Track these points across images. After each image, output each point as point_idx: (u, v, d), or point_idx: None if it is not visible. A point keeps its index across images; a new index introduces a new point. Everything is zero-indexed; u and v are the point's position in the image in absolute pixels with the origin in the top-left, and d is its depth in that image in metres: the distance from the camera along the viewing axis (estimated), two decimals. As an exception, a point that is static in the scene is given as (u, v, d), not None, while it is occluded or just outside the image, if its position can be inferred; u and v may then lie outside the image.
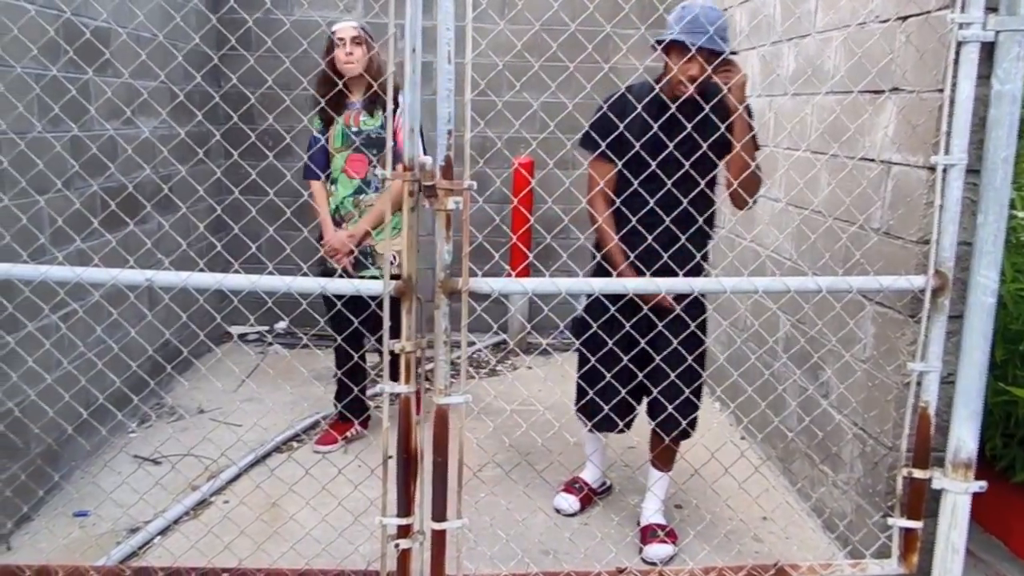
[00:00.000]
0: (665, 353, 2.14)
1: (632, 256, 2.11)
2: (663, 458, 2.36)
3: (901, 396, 2.06)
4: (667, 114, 2.01)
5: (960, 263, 1.89)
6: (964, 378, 1.90)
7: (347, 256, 2.78)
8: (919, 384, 1.94)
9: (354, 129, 2.80)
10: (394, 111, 2.47)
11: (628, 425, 2.37)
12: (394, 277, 2.33)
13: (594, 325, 2.23)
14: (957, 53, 1.81)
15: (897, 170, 2.13)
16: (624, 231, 2.16)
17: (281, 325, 4.29)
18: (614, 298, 2.12)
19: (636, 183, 2.02)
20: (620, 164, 2.08)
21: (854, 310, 2.28)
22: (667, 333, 2.14)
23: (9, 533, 2.26)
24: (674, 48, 2.06)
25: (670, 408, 2.15)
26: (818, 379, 2.54)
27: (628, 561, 2.14)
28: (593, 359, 2.16)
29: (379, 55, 2.78)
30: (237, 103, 3.65)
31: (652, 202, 2.00)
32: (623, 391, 2.22)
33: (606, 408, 2.22)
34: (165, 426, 3.06)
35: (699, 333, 2.20)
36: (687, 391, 2.15)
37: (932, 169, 1.96)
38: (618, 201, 2.17)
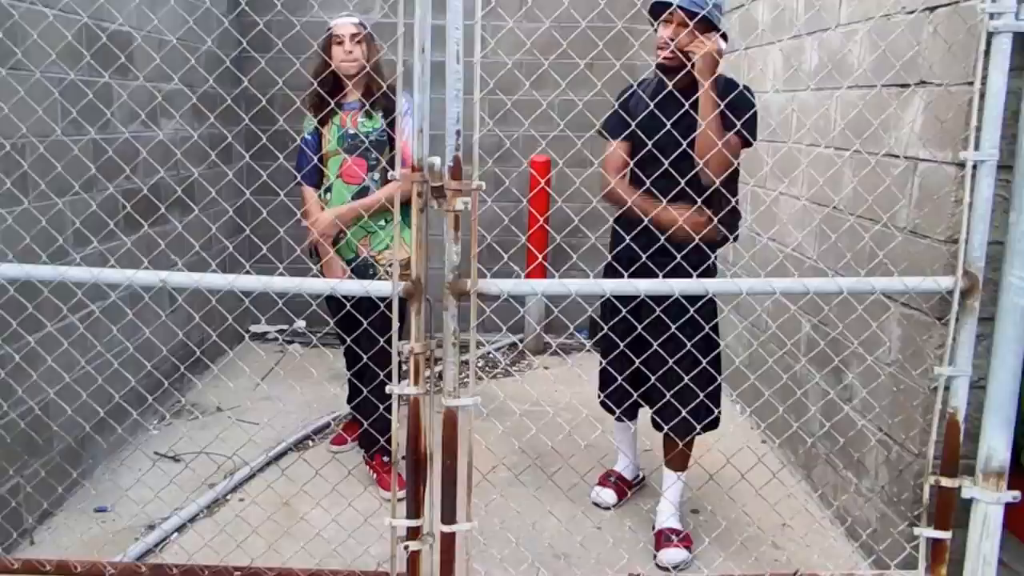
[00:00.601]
0: (671, 350, 2.11)
1: (633, 254, 2.14)
2: (676, 460, 2.32)
3: (928, 401, 1.99)
4: (666, 95, 2.02)
5: (991, 263, 1.81)
6: (995, 383, 1.82)
7: (330, 236, 2.57)
8: (947, 389, 1.86)
9: (351, 131, 2.61)
10: (392, 111, 2.45)
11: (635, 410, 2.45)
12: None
13: (604, 326, 2.27)
14: (988, 44, 1.73)
15: (924, 167, 2.05)
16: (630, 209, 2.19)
17: (300, 324, 4.32)
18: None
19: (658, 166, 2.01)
20: (632, 145, 2.16)
21: (879, 312, 2.21)
22: (678, 334, 2.07)
23: (32, 528, 2.31)
24: (654, 16, 2.11)
25: (683, 412, 2.12)
26: (841, 382, 2.46)
27: (641, 567, 2.11)
28: (604, 351, 2.24)
29: (379, 53, 2.56)
30: (256, 105, 3.67)
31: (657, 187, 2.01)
32: (628, 383, 2.27)
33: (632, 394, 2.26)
34: (184, 424, 3.10)
35: (706, 326, 2.13)
36: (697, 389, 2.11)
37: (961, 165, 1.88)
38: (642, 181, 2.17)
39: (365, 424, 2.66)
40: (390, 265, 2.53)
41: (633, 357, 2.06)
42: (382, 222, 2.59)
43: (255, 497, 2.41)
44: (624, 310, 2.24)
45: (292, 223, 2.42)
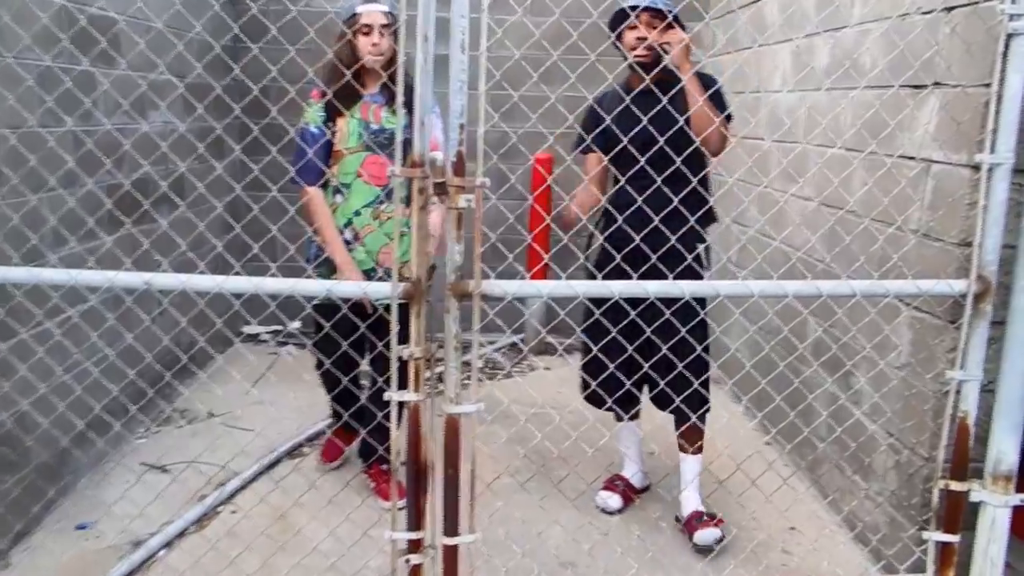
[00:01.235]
0: (667, 336, 2.13)
1: (626, 248, 2.14)
2: (690, 439, 2.37)
3: (938, 405, 1.96)
4: (639, 96, 2.13)
5: (1003, 267, 1.78)
6: (1005, 387, 1.80)
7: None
8: (958, 393, 1.83)
9: (374, 127, 2.41)
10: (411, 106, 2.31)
11: (635, 410, 2.48)
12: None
13: (592, 319, 2.24)
14: (1006, 46, 1.70)
15: (938, 169, 2.02)
16: (620, 210, 2.15)
17: (294, 326, 4.23)
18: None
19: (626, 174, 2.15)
20: (608, 152, 2.23)
21: (889, 315, 2.17)
22: (673, 321, 2.07)
23: (8, 548, 2.19)
24: (626, 25, 2.21)
25: (695, 384, 2.19)
26: (850, 386, 2.43)
27: (650, 577, 2.05)
28: (594, 347, 2.16)
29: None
30: (252, 95, 3.56)
31: (643, 195, 1.99)
32: (625, 378, 2.24)
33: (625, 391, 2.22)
34: (174, 431, 3.00)
35: (698, 308, 2.28)
36: (697, 365, 2.21)
37: (975, 168, 1.85)
38: (620, 182, 2.27)
39: (363, 433, 2.56)
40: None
41: (631, 349, 2.13)
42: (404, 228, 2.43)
43: (248, 510, 2.32)
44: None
45: (286, 220, 2.29)
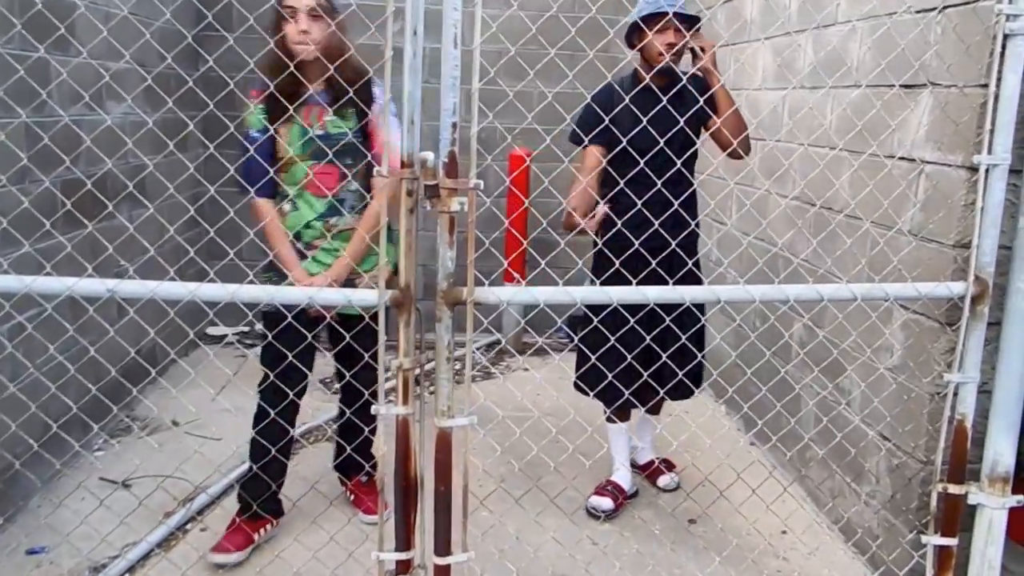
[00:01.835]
0: (674, 323, 2.26)
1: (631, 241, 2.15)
2: (657, 408, 2.68)
3: (933, 408, 1.95)
4: (650, 100, 2.13)
5: (998, 268, 1.77)
6: (1001, 388, 1.80)
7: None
8: (955, 395, 1.82)
9: (319, 132, 2.12)
10: (369, 106, 2.09)
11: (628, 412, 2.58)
12: (375, 315, 2.01)
13: (593, 319, 2.27)
14: (1003, 47, 1.68)
15: (931, 169, 2.00)
16: (624, 208, 2.21)
17: (261, 326, 4.06)
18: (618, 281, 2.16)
19: (639, 164, 2.12)
20: (613, 149, 2.23)
21: (882, 317, 2.15)
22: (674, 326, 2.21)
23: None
24: (642, 31, 2.21)
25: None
26: (844, 390, 2.41)
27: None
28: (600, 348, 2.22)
29: (346, 30, 2.09)
30: (218, 88, 3.40)
31: (658, 184, 2.04)
32: (629, 370, 2.32)
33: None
34: (135, 443, 2.83)
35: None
36: (696, 353, 2.35)
37: (970, 169, 1.83)
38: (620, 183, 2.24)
39: (345, 445, 2.39)
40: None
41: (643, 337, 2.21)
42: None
43: (218, 529, 2.19)
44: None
45: (257, 220, 2.18)
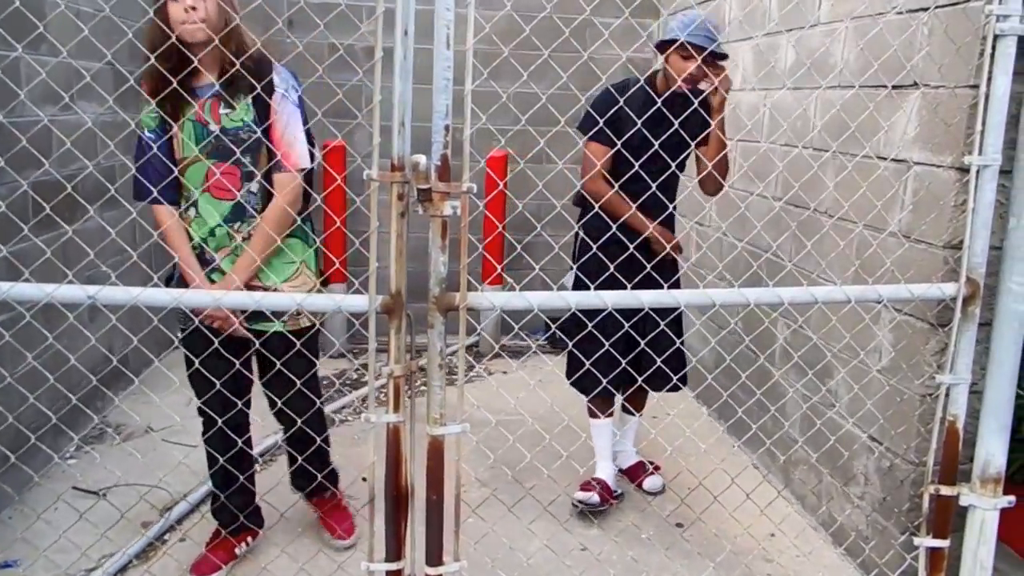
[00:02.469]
0: (659, 319, 2.43)
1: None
2: (641, 404, 2.70)
3: (926, 409, 1.95)
4: (660, 109, 2.14)
5: (988, 268, 1.78)
6: (993, 389, 1.81)
7: (234, 324, 1.94)
8: (947, 396, 1.82)
9: (213, 128, 1.89)
10: (269, 95, 1.84)
11: (611, 409, 2.63)
12: (300, 331, 1.91)
13: (582, 316, 2.32)
14: (993, 47, 1.69)
15: (920, 170, 2.00)
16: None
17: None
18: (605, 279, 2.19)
19: (636, 165, 2.14)
20: (614, 145, 2.32)
21: (871, 319, 2.16)
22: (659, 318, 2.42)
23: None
24: (679, 48, 2.25)
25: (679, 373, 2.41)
26: (834, 393, 2.40)
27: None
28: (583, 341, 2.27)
29: (237, 12, 1.85)
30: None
31: (654, 187, 2.11)
32: (615, 367, 2.35)
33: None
34: (109, 449, 2.74)
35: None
36: (679, 346, 2.37)
37: (960, 170, 1.83)
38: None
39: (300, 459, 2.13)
40: (297, 314, 1.95)
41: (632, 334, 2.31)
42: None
43: (199, 539, 2.12)
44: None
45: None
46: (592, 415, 2.57)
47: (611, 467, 2.60)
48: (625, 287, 2.00)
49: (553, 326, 2.61)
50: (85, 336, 2.35)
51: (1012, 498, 1.82)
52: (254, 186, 1.93)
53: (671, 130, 2.04)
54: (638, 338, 2.42)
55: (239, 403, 1.92)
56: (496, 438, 2.52)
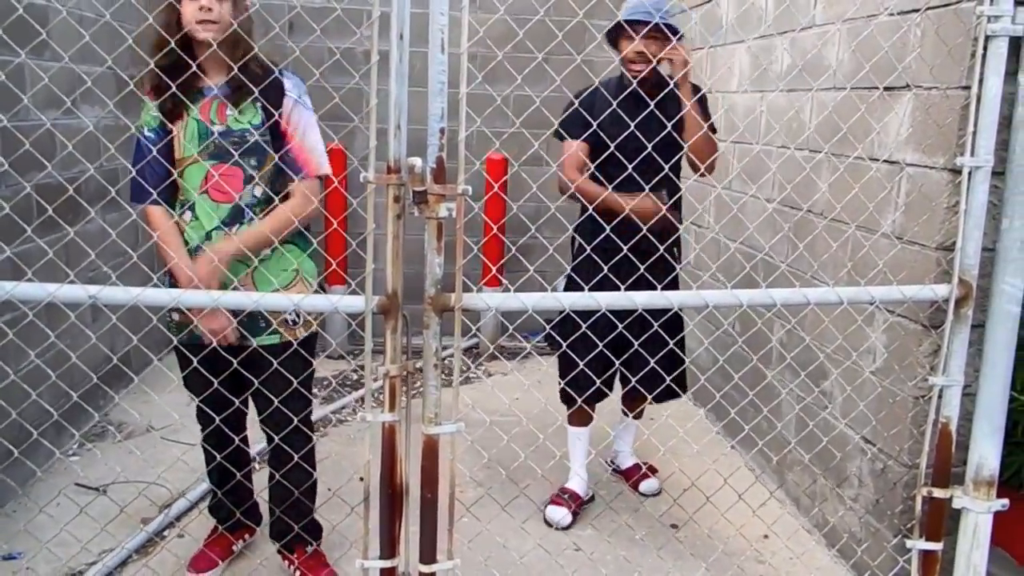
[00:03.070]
0: (651, 323, 2.26)
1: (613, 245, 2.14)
2: (632, 409, 2.69)
3: (918, 411, 1.95)
4: (630, 97, 2.11)
5: (980, 270, 1.78)
6: (986, 391, 1.80)
7: (228, 329, 1.87)
8: (940, 398, 1.83)
9: (219, 128, 1.85)
10: (279, 100, 1.85)
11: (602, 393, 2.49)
12: (291, 343, 1.87)
13: (574, 317, 2.29)
14: (985, 48, 1.69)
15: (912, 171, 2.01)
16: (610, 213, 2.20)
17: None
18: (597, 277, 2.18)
19: (619, 156, 2.08)
20: (594, 148, 2.25)
21: (864, 320, 2.16)
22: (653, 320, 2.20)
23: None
24: (624, 33, 2.28)
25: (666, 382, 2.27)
26: (826, 395, 2.41)
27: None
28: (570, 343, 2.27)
29: (250, 15, 1.85)
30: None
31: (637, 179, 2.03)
32: (600, 372, 2.33)
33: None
34: (110, 447, 2.77)
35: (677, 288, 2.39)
36: (677, 351, 2.37)
37: (952, 171, 1.84)
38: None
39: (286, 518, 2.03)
40: (296, 315, 1.93)
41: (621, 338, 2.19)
42: (267, 251, 1.91)
43: (198, 535, 2.16)
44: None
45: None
46: (570, 422, 2.53)
47: (582, 476, 2.56)
48: (618, 288, 2.03)
49: (547, 327, 2.60)
50: (86, 335, 2.38)
51: (1006, 501, 1.81)
52: (257, 190, 1.89)
53: (646, 110, 1.95)
54: (632, 339, 2.33)
55: (236, 401, 1.92)
56: (491, 438, 2.53)
